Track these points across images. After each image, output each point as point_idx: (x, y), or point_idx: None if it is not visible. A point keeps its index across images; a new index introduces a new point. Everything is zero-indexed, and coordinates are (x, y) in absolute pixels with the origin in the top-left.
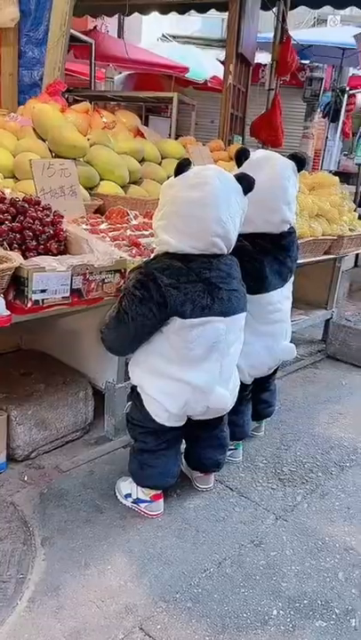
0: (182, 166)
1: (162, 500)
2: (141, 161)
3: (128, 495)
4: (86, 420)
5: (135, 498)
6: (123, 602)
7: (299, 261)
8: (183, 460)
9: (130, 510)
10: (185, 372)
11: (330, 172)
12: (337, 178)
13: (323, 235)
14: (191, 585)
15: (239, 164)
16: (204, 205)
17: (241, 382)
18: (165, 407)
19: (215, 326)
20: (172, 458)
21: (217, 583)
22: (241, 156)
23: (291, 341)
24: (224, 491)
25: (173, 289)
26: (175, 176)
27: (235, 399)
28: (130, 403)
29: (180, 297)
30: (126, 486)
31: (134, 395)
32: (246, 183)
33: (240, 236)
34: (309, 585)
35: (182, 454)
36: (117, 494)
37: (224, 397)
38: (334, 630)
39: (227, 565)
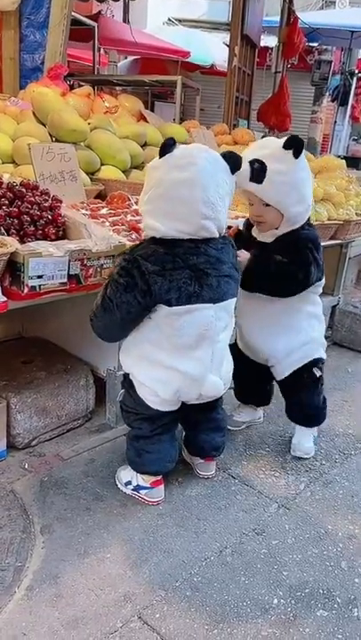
0: (167, 146)
1: (162, 487)
2: (144, 145)
3: (128, 483)
4: (87, 407)
5: (135, 485)
6: (121, 590)
7: None
8: (184, 447)
9: (130, 498)
10: (176, 360)
11: (338, 156)
12: (343, 161)
13: (328, 219)
14: (191, 574)
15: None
16: (191, 186)
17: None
18: (157, 392)
19: (204, 313)
20: (168, 442)
21: (217, 572)
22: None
23: None
24: (226, 479)
25: (158, 276)
26: (160, 157)
27: (229, 383)
28: (123, 390)
29: (166, 284)
30: (126, 474)
31: (127, 382)
32: (233, 161)
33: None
34: (311, 574)
35: (182, 440)
36: (118, 483)
37: (216, 385)
38: (336, 620)
39: (227, 554)
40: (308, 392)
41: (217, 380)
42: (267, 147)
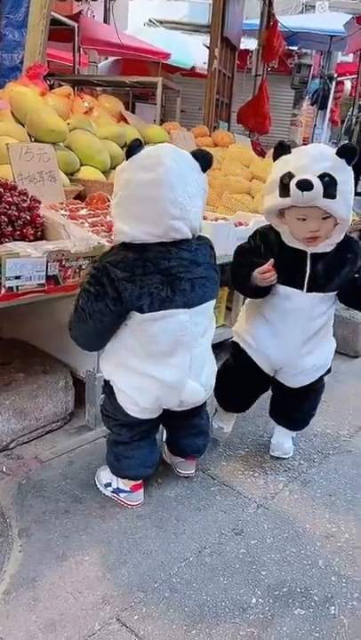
0: (133, 148)
1: (142, 490)
2: (124, 146)
3: (108, 484)
4: (67, 409)
5: (115, 487)
6: (100, 593)
7: None
8: (165, 446)
9: (109, 500)
10: (153, 368)
11: None
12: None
13: None
14: (170, 574)
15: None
16: (158, 186)
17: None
18: (136, 401)
19: (178, 319)
20: (147, 448)
21: (196, 572)
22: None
23: None
24: (206, 480)
25: (128, 282)
26: (127, 158)
27: (210, 389)
28: (103, 395)
29: (136, 290)
30: (106, 475)
31: (107, 388)
32: (204, 160)
33: None
34: (289, 573)
35: (164, 442)
36: (97, 483)
37: (197, 391)
38: (313, 618)
39: (206, 554)
40: (314, 398)
41: (197, 386)
42: (326, 157)
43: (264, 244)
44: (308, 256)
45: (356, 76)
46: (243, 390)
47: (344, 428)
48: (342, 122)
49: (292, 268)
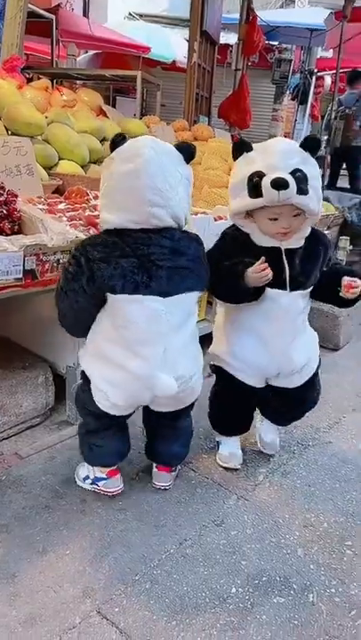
0: (116, 142)
1: (119, 476)
2: (103, 140)
3: (86, 477)
4: (47, 405)
5: (93, 478)
6: (80, 586)
7: None
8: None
9: (90, 494)
10: (125, 356)
11: None
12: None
13: None
14: (151, 567)
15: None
16: (137, 176)
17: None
18: (108, 396)
19: (151, 307)
20: (116, 438)
21: (177, 564)
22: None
23: None
24: (186, 472)
25: (103, 262)
26: (111, 152)
27: (194, 386)
28: (80, 382)
29: (109, 270)
30: (84, 470)
31: (82, 377)
32: (187, 151)
33: None
34: (269, 562)
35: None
36: (77, 480)
37: (168, 385)
38: (292, 605)
39: (187, 546)
40: (314, 391)
41: (169, 379)
42: (294, 152)
43: (236, 246)
44: (284, 253)
45: (335, 71)
46: (239, 413)
47: (324, 419)
48: (322, 117)
49: (271, 269)
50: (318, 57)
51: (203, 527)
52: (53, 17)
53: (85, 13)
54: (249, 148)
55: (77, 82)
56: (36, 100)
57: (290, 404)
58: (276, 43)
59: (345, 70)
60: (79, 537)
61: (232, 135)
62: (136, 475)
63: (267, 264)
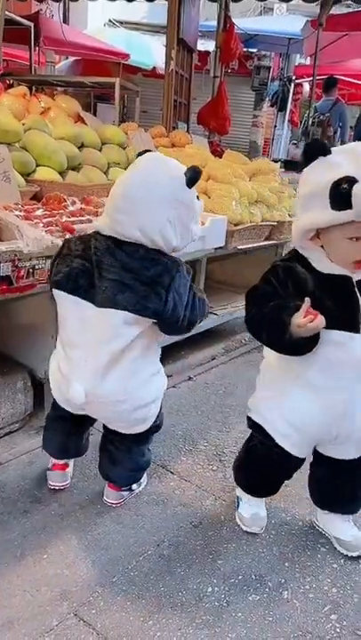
0: (139, 153)
1: (64, 473)
2: (81, 147)
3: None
4: (26, 410)
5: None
6: (58, 589)
7: (240, 247)
8: None
9: (69, 499)
10: (61, 354)
11: (279, 160)
12: (277, 165)
13: (263, 220)
14: (128, 568)
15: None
16: (117, 184)
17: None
18: (53, 388)
19: (83, 311)
20: (61, 433)
21: (154, 565)
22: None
23: (235, 327)
24: (165, 475)
25: (62, 257)
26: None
27: (126, 414)
28: None
29: (61, 266)
30: None
31: None
32: (189, 174)
33: None
34: (245, 561)
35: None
36: None
37: (76, 393)
38: (267, 603)
39: (165, 547)
40: None
41: (78, 388)
42: None
43: (292, 280)
44: (356, 284)
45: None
46: (275, 478)
47: None
48: (302, 123)
49: (339, 304)
50: (297, 64)
51: (180, 528)
52: (32, 24)
53: (65, 20)
54: (327, 151)
55: (58, 89)
56: (13, 106)
57: (342, 479)
58: (254, 50)
59: (321, 77)
60: (57, 541)
61: (211, 141)
62: None
63: (317, 312)
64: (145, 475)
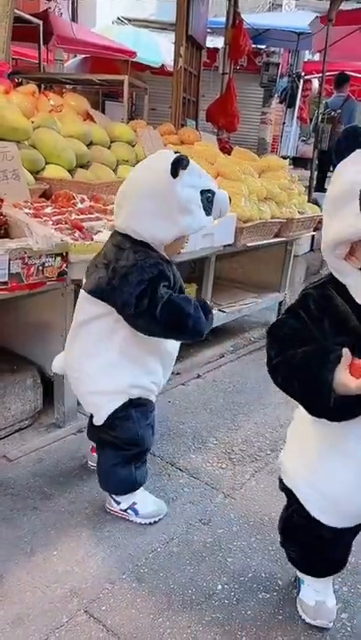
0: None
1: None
2: (90, 145)
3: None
4: (35, 407)
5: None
6: (68, 586)
7: (250, 244)
8: None
9: (79, 496)
10: None
11: (288, 157)
12: (286, 161)
13: (272, 217)
14: (138, 565)
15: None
16: None
17: None
18: None
19: (80, 295)
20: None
21: (163, 562)
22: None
23: (244, 324)
24: (174, 472)
25: None
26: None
27: (88, 398)
28: None
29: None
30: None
31: None
32: (172, 162)
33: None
34: (255, 559)
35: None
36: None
37: (55, 361)
38: (277, 601)
39: (174, 545)
40: None
41: (59, 357)
42: None
43: (329, 314)
44: None
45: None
46: (329, 554)
47: None
48: (311, 120)
49: None
50: (306, 60)
51: (190, 526)
52: (40, 22)
53: (74, 18)
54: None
55: (67, 87)
56: (22, 105)
57: None
58: (263, 46)
59: (331, 73)
60: (67, 538)
61: (220, 139)
62: None
63: (354, 359)
64: (138, 499)
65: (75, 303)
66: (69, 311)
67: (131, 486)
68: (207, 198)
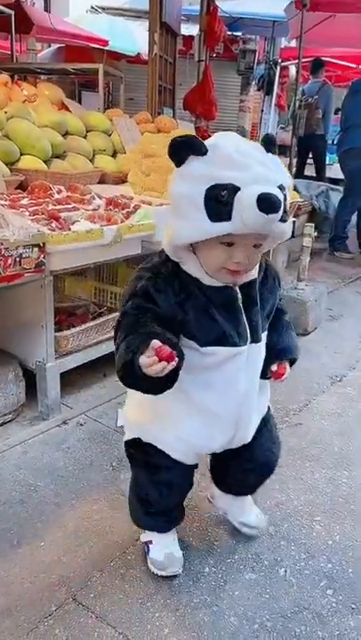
0: None
1: None
2: (65, 134)
3: None
4: (19, 401)
5: None
6: (55, 576)
7: None
8: None
9: (64, 487)
10: None
11: None
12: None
13: None
14: (125, 552)
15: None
16: None
17: None
18: None
19: None
20: None
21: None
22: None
23: None
24: None
25: None
26: None
27: None
28: None
29: None
30: None
31: None
32: (175, 143)
33: None
34: (241, 541)
35: None
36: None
37: None
38: (264, 580)
39: None
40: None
41: None
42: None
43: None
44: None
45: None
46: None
47: (294, 402)
48: (289, 106)
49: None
50: (283, 47)
51: None
52: (12, 12)
53: (47, 8)
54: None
55: (41, 77)
56: None
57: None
58: (239, 34)
59: (308, 60)
60: (54, 529)
61: (198, 127)
62: (110, 465)
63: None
64: (155, 540)
65: (54, 294)
66: (49, 302)
67: (137, 523)
68: (218, 196)
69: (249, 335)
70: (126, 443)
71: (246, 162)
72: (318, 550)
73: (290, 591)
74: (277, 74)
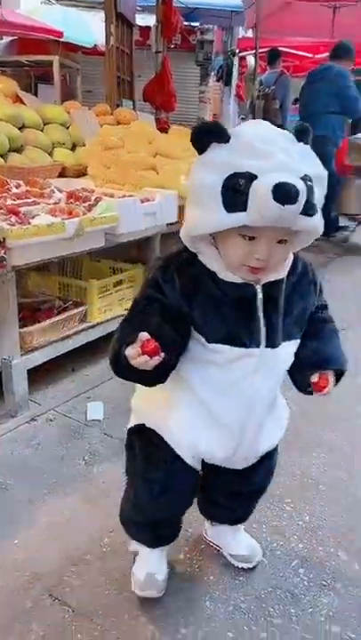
0: None
1: None
2: (21, 127)
3: None
4: None
5: None
6: (30, 573)
7: None
8: None
9: (37, 483)
10: None
11: None
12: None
13: None
14: (101, 545)
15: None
16: None
17: None
18: None
19: None
20: None
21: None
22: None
23: None
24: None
25: None
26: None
27: None
28: None
29: None
30: None
31: None
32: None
33: None
34: None
35: None
36: None
37: None
38: (236, 565)
39: None
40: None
41: None
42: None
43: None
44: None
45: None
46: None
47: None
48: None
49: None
50: (240, 37)
51: None
52: None
53: None
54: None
55: None
56: None
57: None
58: (197, 24)
59: (264, 50)
60: (26, 527)
61: (158, 119)
62: (82, 458)
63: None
64: (140, 554)
65: (17, 290)
66: (12, 298)
67: (125, 530)
68: (236, 185)
69: (263, 338)
70: (130, 430)
71: (268, 150)
72: (289, 531)
73: (263, 572)
74: (236, 64)
